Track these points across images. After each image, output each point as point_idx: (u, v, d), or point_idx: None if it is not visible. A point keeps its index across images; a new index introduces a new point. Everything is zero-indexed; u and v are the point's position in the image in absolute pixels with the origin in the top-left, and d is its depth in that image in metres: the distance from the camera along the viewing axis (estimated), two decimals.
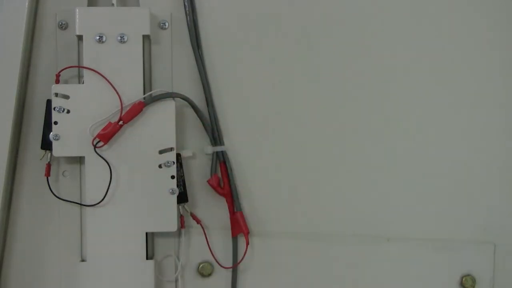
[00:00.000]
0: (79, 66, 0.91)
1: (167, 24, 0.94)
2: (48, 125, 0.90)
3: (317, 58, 0.97)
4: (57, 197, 0.92)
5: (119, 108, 0.88)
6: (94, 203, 0.89)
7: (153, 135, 0.90)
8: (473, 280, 0.97)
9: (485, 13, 0.97)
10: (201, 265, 0.97)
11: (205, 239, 0.95)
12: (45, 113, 0.91)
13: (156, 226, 0.91)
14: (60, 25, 0.93)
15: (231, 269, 0.97)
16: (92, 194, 0.89)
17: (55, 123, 0.88)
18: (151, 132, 0.90)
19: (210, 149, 0.95)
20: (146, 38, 0.91)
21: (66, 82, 0.91)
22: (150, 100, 0.89)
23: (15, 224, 0.94)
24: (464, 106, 0.97)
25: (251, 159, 0.97)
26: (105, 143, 0.88)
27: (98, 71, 0.88)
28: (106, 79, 0.88)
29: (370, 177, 0.97)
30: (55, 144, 0.89)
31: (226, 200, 0.96)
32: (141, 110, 0.88)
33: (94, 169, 0.89)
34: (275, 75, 0.97)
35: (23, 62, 0.91)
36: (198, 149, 0.96)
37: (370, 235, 0.98)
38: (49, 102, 0.90)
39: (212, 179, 0.94)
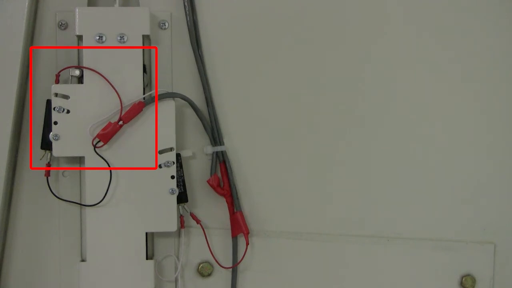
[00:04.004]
0: (79, 66, 0.91)
1: (167, 24, 0.94)
2: (48, 125, 0.90)
3: (318, 58, 0.97)
4: (57, 197, 0.92)
5: (119, 108, 0.88)
6: (94, 203, 0.89)
7: (153, 135, 0.90)
8: (473, 280, 0.97)
9: (490, 15, 0.97)
10: (201, 265, 0.97)
11: (205, 239, 0.95)
12: (45, 113, 0.91)
13: (156, 226, 0.91)
14: (60, 25, 0.93)
15: (231, 269, 0.97)
16: (92, 194, 0.89)
17: (55, 123, 0.88)
18: (151, 132, 0.90)
19: (210, 149, 0.95)
20: (146, 38, 0.91)
21: (66, 82, 0.91)
22: (150, 100, 0.89)
23: (15, 224, 0.94)
24: (464, 107, 0.97)
25: (251, 159, 0.97)
26: (105, 143, 0.88)
27: (98, 71, 0.88)
28: (106, 79, 0.88)
29: (370, 177, 0.97)
30: (55, 144, 0.89)
31: (226, 200, 0.96)
32: (141, 110, 0.89)
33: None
34: (275, 75, 0.97)
35: (23, 62, 0.91)
36: (198, 149, 0.96)
37: (370, 235, 0.98)
38: (49, 102, 0.90)
39: (212, 179, 0.94)
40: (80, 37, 0.91)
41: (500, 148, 0.98)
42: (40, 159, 0.92)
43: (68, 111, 0.88)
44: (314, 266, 0.98)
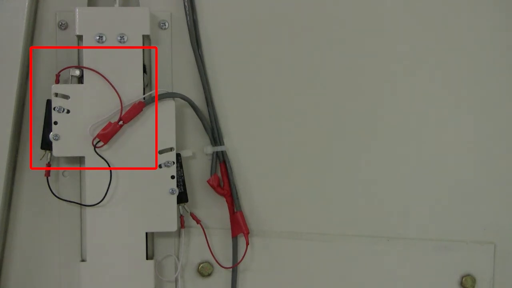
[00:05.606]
0: (79, 66, 0.91)
1: (167, 24, 0.94)
2: (48, 125, 0.90)
3: (318, 58, 0.97)
4: (57, 197, 0.92)
5: (119, 108, 0.88)
6: (94, 203, 0.89)
7: (153, 135, 0.90)
8: (473, 280, 0.97)
9: (489, 14, 0.96)
10: (201, 265, 0.97)
11: (205, 239, 0.95)
12: (45, 113, 0.91)
13: (156, 226, 0.91)
14: (60, 25, 0.93)
15: (231, 269, 0.97)
16: (92, 194, 0.89)
17: (55, 123, 0.88)
18: (151, 132, 0.90)
19: (210, 149, 0.95)
20: (146, 38, 0.91)
21: (66, 82, 0.91)
22: (150, 100, 0.89)
23: (15, 224, 0.94)
24: (465, 107, 0.97)
25: (251, 159, 0.97)
26: (105, 143, 0.88)
27: (98, 71, 0.88)
28: (106, 79, 0.88)
29: (370, 177, 0.97)
30: (55, 144, 0.89)
31: (226, 200, 0.96)
32: (141, 110, 0.89)
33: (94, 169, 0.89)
34: (275, 75, 0.97)
35: (23, 62, 0.91)
36: (198, 149, 0.96)
37: (370, 235, 0.98)
38: (49, 102, 0.90)
39: (212, 179, 0.94)
40: (80, 37, 0.91)
41: (500, 148, 0.98)
42: (40, 159, 0.92)
43: (68, 111, 0.88)
44: (314, 266, 0.98)
